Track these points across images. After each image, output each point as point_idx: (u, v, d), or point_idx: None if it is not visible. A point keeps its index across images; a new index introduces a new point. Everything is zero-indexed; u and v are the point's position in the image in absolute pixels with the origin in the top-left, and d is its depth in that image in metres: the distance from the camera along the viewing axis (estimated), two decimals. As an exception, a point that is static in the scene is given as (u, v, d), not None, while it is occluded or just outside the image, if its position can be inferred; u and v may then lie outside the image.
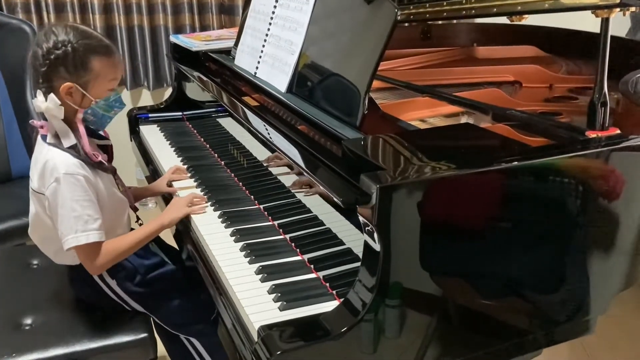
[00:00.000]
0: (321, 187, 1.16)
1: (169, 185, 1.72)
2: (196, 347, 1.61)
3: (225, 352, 1.58)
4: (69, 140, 1.37)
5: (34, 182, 1.41)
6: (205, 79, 1.92)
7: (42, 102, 1.36)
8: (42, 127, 1.41)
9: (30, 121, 1.45)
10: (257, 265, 1.25)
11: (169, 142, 2.05)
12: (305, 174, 1.27)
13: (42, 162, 1.36)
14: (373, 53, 1.26)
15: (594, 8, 1.14)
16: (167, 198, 1.68)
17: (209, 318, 1.56)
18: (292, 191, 1.42)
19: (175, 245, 1.66)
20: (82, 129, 1.40)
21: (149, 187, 1.76)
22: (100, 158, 1.42)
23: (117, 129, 1.59)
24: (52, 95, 1.35)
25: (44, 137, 1.40)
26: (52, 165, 1.34)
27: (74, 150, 1.37)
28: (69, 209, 1.33)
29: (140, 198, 1.73)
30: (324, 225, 1.30)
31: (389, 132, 1.19)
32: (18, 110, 2.45)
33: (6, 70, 2.43)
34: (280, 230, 1.39)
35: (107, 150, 1.52)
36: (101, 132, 1.51)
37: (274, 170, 1.52)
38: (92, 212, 1.35)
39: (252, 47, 1.76)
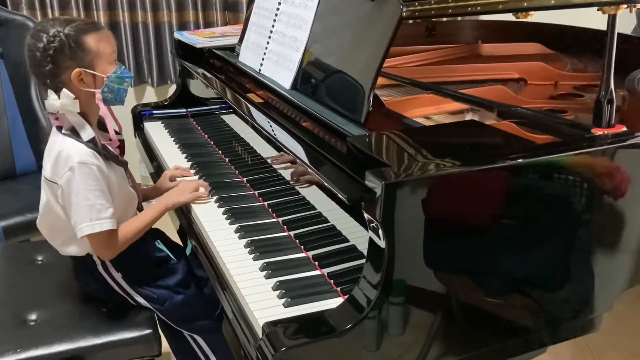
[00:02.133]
0: (326, 184, 1.16)
1: (172, 181, 1.72)
2: (199, 343, 1.62)
3: (227, 349, 1.59)
4: (87, 134, 1.39)
5: (46, 171, 1.42)
6: (209, 75, 1.92)
7: (56, 100, 1.38)
8: (56, 118, 1.43)
9: (46, 113, 1.46)
10: (262, 262, 1.25)
11: (173, 138, 2.05)
12: (309, 170, 1.26)
13: (56, 151, 1.38)
14: (378, 50, 1.25)
15: (600, 5, 1.14)
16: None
17: (213, 314, 1.57)
18: (296, 187, 1.42)
19: (179, 242, 1.66)
20: (103, 108, 1.44)
21: (154, 187, 1.76)
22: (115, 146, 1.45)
23: (121, 125, 1.60)
24: (64, 91, 1.37)
25: (58, 128, 1.42)
26: (67, 154, 1.36)
27: (92, 143, 1.39)
28: (83, 197, 1.35)
29: (146, 199, 1.74)
30: (329, 222, 1.30)
31: (394, 129, 1.19)
32: (22, 107, 2.45)
33: (11, 67, 2.43)
34: (285, 227, 1.39)
35: (119, 145, 1.54)
36: (116, 128, 1.52)
37: (278, 167, 1.52)
38: (104, 202, 1.37)
39: (257, 44, 1.76)
